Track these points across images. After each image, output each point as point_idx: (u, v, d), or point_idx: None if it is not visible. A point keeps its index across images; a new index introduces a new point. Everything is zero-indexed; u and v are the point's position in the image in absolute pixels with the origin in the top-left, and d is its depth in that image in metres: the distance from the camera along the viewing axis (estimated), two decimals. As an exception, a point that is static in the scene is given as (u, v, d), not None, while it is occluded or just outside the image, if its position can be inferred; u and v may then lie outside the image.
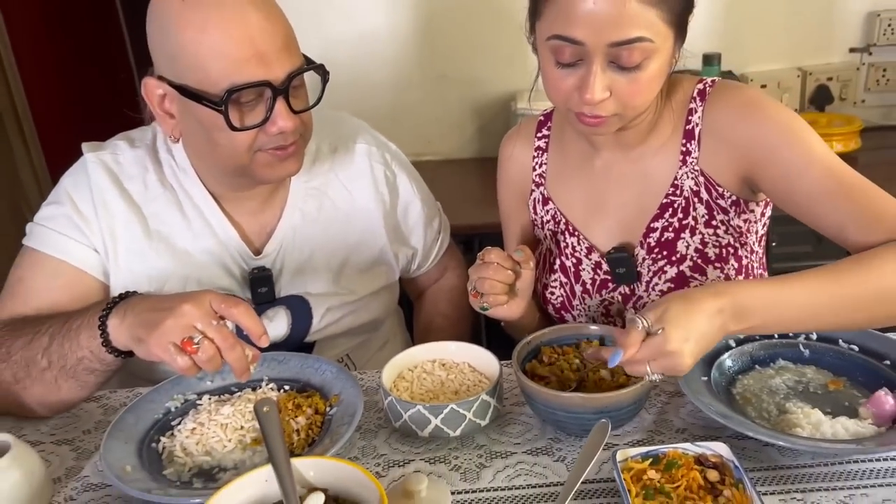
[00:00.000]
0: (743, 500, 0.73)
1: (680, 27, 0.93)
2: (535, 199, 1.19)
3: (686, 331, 0.78)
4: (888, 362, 0.91)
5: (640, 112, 0.98)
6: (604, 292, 1.12)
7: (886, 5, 2.14)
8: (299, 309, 1.14)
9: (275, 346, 1.12)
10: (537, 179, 1.19)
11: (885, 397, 0.85)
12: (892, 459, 0.81)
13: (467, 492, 0.81)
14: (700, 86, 1.05)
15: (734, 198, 1.05)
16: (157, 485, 0.82)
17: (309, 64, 1.01)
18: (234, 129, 0.95)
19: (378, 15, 2.17)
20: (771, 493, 0.78)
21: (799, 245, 1.85)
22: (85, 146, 1.13)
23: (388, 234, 1.21)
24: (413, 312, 1.39)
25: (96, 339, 0.92)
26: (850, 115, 2.14)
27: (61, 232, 1.08)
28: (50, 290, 1.06)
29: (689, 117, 1.05)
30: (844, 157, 2.18)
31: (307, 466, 0.76)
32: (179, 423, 0.92)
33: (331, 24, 2.15)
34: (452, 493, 0.81)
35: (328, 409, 0.93)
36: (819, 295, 0.84)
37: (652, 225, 1.08)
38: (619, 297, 1.11)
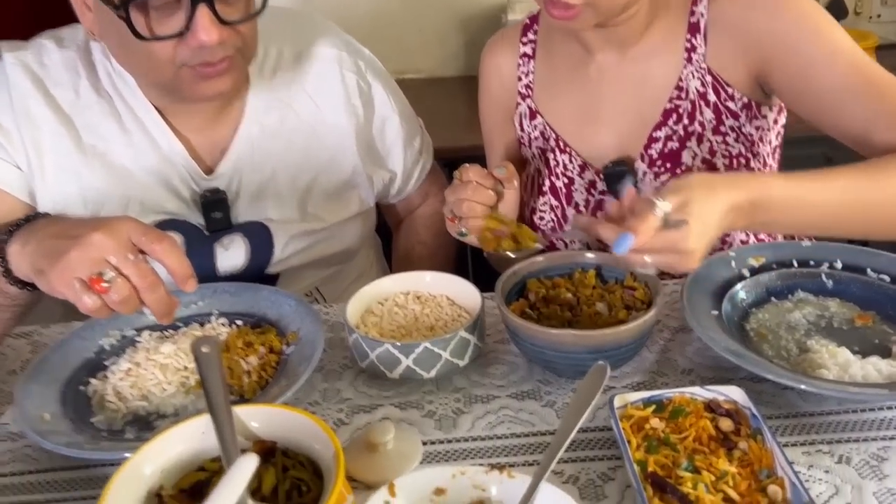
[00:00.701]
0: (762, 455, 0.63)
1: None
2: (521, 113, 1.07)
3: (706, 227, 0.68)
4: (924, 294, 0.80)
5: (618, 3, 0.85)
6: (599, 214, 0.99)
7: None
8: (259, 237, 1.01)
9: (233, 279, 1.00)
10: (523, 91, 1.06)
11: (923, 335, 0.74)
12: (929, 405, 0.71)
13: (442, 441, 0.70)
14: None
15: (745, 100, 0.93)
16: (80, 436, 0.70)
17: None
18: (140, 38, 0.80)
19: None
20: (792, 445, 0.67)
21: (813, 147, 1.72)
22: (3, 45, 0.97)
23: (360, 154, 1.07)
24: (392, 241, 1.26)
25: None
26: (864, 30, 1.99)
27: None
28: None
29: (694, 8, 0.93)
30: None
31: (251, 416, 0.64)
32: (113, 364, 0.80)
33: (302, -76, 1.94)
34: (425, 444, 0.70)
35: (284, 347, 0.81)
36: (848, 195, 0.76)
37: (654, 134, 0.96)
38: None
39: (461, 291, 0.85)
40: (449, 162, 1.52)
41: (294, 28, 1.06)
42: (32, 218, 0.81)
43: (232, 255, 1.00)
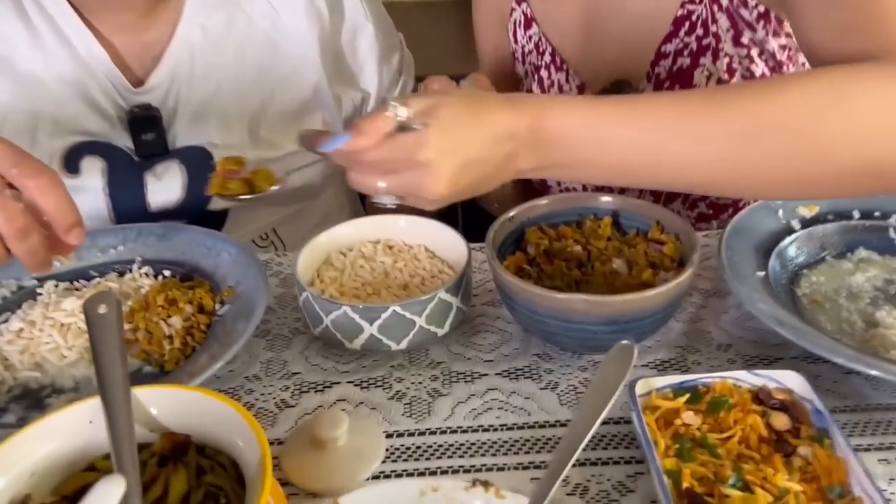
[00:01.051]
0: (831, 465, 0.47)
1: None
2: (515, 20, 0.93)
3: (455, 142, 0.51)
4: None
5: None
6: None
7: None
8: (199, 165, 0.84)
9: (168, 216, 0.83)
10: None
11: None
12: None
13: (412, 433, 0.55)
14: None
15: (760, 8, 0.77)
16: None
17: None
18: None
19: None
20: (864, 450, 0.52)
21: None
22: None
23: (325, 68, 0.90)
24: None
25: None
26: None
27: None
28: None
29: None
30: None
31: (156, 399, 0.48)
32: (3, 322, 0.64)
33: None
34: (389, 437, 0.54)
35: (218, 305, 0.65)
36: (680, 134, 0.53)
37: (663, 48, 0.81)
38: None
39: (443, 241, 0.68)
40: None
41: None
42: None
43: (166, 185, 0.83)
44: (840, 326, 0.61)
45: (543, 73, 0.91)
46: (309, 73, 0.90)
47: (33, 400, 0.59)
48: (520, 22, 0.92)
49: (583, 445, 0.44)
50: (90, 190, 0.82)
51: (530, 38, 0.92)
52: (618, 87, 0.84)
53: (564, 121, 0.53)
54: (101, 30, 0.81)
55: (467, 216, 1.13)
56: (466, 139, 0.52)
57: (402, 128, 0.52)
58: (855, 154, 0.52)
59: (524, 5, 0.91)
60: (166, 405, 0.49)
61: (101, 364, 0.49)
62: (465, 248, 0.64)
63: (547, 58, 0.90)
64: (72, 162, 0.81)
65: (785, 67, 0.81)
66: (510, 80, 0.96)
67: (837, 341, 0.56)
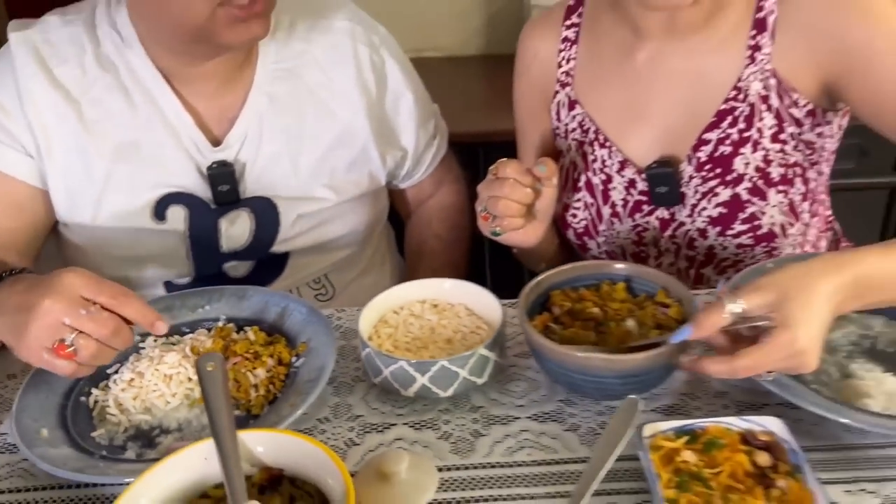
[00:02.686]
0: (802, 496, 0.58)
1: None
2: (559, 102, 1.01)
3: (813, 327, 0.62)
4: (980, 316, 0.75)
5: None
6: (637, 216, 0.94)
7: None
8: (265, 213, 0.98)
9: (236, 256, 0.98)
10: (563, 78, 1.00)
11: (979, 362, 0.69)
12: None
13: (458, 468, 0.67)
14: None
15: (811, 107, 0.86)
16: (79, 452, 0.67)
17: None
18: None
19: None
20: (834, 482, 0.63)
21: (841, 162, 1.66)
22: (11, 24, 0.94)
23: (372, 129, 1.03)
24: (404, 233, 1.22)
25: None
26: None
27: None
28: None
29: (762, 3, 0.85)
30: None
31: (257, 441, 0.61)
32: (116, 373, 0.77)
33: None
34: (441, 470, 0.66)
35: (293, 359, 0.78)
36: None
37: (704, 136, 0.90)
38: (657, 223, 0.94)
39: (481, 301, 0.80)
40: (467, 148, 1.48)
41: (307, 0, 1.02)
42: (7, 276, 0.78)
43: (236, 230, 0.97)
44: (818, 377, 0.71)
45: (587, 148, 0.98)
46: (358, 134, 1.03)
47: (146, 439, 0.71)
48: (563, 103, 0.99)
49: (599, 479, 0.55)
50: (174, 234, 0.96)
51: (574, 117, 0.98)
52: (663, 164, 0.92)
53: (878, 265, 0.66)
54: (187, 97, 0.95)
55: (494, 273, 1.25)
56: (819, 318, 0.63)
57: (741, 318, 0.64)
58: None
59: (568, 88, 0.98)
60: (264, 445, 0.61)
61: (213, 410, 0.62)
62: (500, 309, 0.76)
63: (591, 135, 0.97)
64: (160, 210, 0.95)
65: (815, 154, 0.90)
66: (550, 153, 1.03)
67: (815, 391, 0.67)
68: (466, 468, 0.67)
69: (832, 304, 0.64)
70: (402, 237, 1.22)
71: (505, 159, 0.86)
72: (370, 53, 1.03)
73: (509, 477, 0.65)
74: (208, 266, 0.99)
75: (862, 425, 0.63)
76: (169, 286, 1.00)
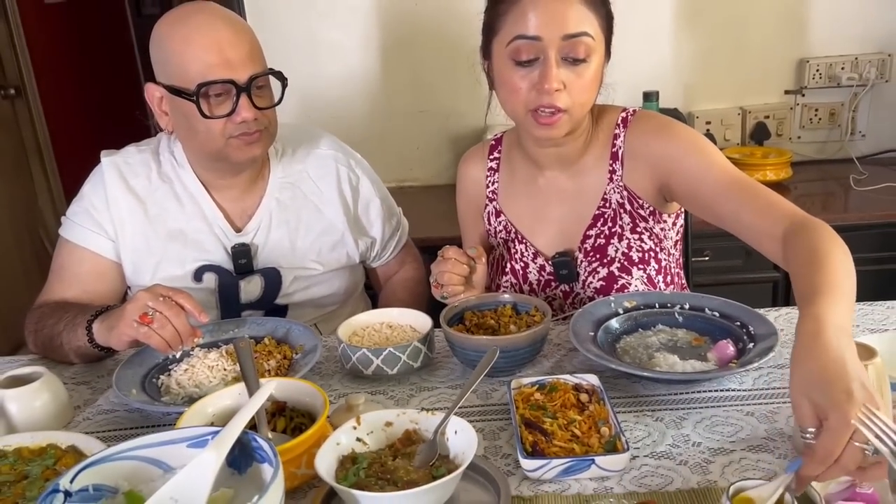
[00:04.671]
0: (601, 411, 0.96)
1: (608, 38, 1.17)
2: (489, 211, 1.41)
3: (839, 388, 0.72)
4: (738, 323, 1.14)
5: (584, 111, 1.17)
6: (547, 290, 1.34)
7: (815, 53, 2.42)
8: (272, 277, 1.40)
9: (251, 306, 1.39)
10: (490, 195, 1.40)
11: (726, 345, 1.08)
12: (721, 390, 1.04)
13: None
14: (623, 114, 1.29)
15: (651, 208, 1.27)
16: (156, 404, 1.06)
17: (272, 71, 1.28)
18: (205, 116, 1.23)
19: (363, 55, 2.45)
20: (629, 412, 1.01)
21: (730, 259, 2.09)
22: (103, 153, 1.41)
23: (349, 224, 1.47)
24: (377, 300, 1.63)
25: (85, 336, 1.17)
26: (782, 148, 2.41)
27: (82, 224, 1.36)
28: (79, 275, 1.35)
29: (615, 141, 1.28)
30: (777, 185, 2.46)
31: (270, 385, 0.99)
32: (176, 366, 1.16)
33: (323, 62, 2.43)
34: (386, 413, 1.04)
35: (294, 355, 1.17)
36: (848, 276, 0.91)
37: (588, 232, 1.30)
38: (560, 294, 1.34)
39: (420, 322, 1.21)
40: (438, 248, 1.91)
41: (305, 135, 1.50)
42: (108, 308, 1.20)
43: (251, 289, 1.39)
44: (634, 361, 1.11)
45: (510, 244, 1.35)
46: (338, 227, 1.46)
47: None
48: (492, 212, 1.38)
49: (472, 387, 0.93)
50: (207, 291, 1.37)
51: (500, 222, 1.36)
52: (563, 254, 1.28)
53: (838, 311, 0.81)
54: (219, 200, 1.39)
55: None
56: (846, 376, 0.72)
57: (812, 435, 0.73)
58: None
59: (494, 202, 1.37)
60: (275, 388, 0.99)
61: (244, 367, 1.01)
62: (430, 321, 1.16)
63: (512, 235, 1.35)
64: (198, 276, 1.37)
65: (662, 242, 1.27)
66: (483, 246, 1.37)
67: (626, 363, 1.06)
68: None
69: (842, 343, 0.76)
70: (376, 303, 1.63)
71: (448, 245, 1.23)
72: (348, 172, 1.49)
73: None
74: (230, 314, 1.39)
75: (643, 373, 1.03)
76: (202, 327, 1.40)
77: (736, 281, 2.11)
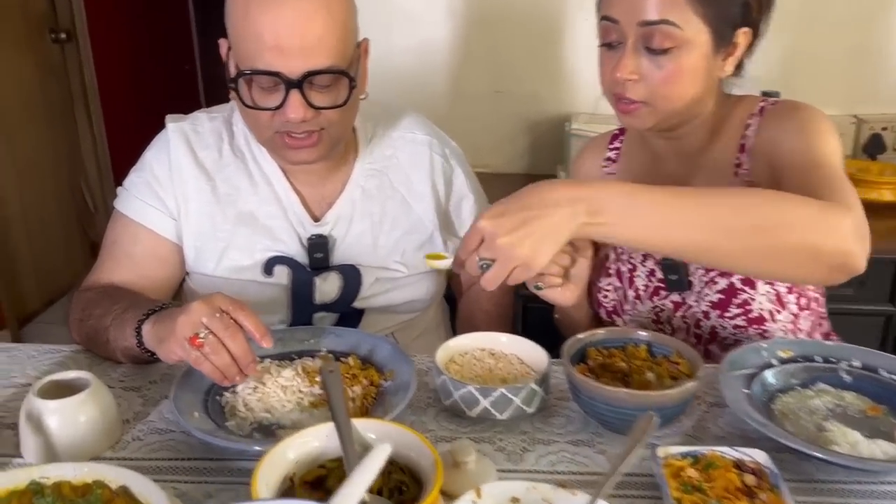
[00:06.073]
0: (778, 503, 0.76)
1: (719, 30, 1.00)
2: None
3: (511, 217, 0.86)
4: (928, 394, 0.93)
5: (674, 107, 1.03)
6: (655, 299, 1.16)
7: (946, 61, 2.16)
8: (350, 276, 1.21)
9: (325, 307, 1.20)
10: None
11: (923, 425, 0.87)
12: (926, 486, 0.83)
13: (512, 471, 0.85)
14: (763, 104, 1.11)
15: None
16: (221, 433, 0.88)
17: (336, 71, 1.04)
18: (245, 105, 1.05)
19: (442, 28, 2.25)
20: (803, 501, 0.80)
21: (841, 289, 1.86)
22: (168, 118, 1.22)
23: (439, 222, 1.28)
24: (457, 309, 1.44)
25: (133, 337, 1.00)
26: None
27: (141, 197, 1.18)
28: (133, 256, 1.18)
29: (746, 132, 1.11)
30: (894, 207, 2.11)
31: (366, 427, 0.80)
32: (243, 383, 0.98)
33: (398, 34, 2.23)
34: (497, 471, 0.85)
35: (383, 381, 0.98)
36: (688, 209, 0.87)
37: None
38: (671, 305, 1.15)
39: (530, 352, 1.01)
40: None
41: (392, 115, 1.31)
42: (164, 307, 1.01)
43: (327, 288, 1.20)
44: (799, 430, 0.90)
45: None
46: (427, 225, 1.27)
47: (267, 431, 0.91)
48: None
49: (618, 475, 0.74)
50: (278, 287, 1.19)
51: None
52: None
53: (613, 191, 0.87)
54: (295, 184, 1.20)
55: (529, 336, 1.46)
56: (510, 204, 0.88)
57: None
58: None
59: None
60: (371, 431, 0.81)
61: (333, 402, 0.82)
62: (546, 358, 0.97)
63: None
64: (268, 268, 1.19)
65: None
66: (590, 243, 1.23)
67: (793, 435, 0.86)
68: (518, 472, 0.85)
69: (569, 210, 0.85)
70: (454, 313, 1.44)
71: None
72: (443, 162, 1.29)
73: (552, 481, 0.84)
74: (302, 315, 1.21)
75: (829, 458, 0.82)
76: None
77: (843, 311, 1.88)
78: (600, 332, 1.01)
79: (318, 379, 0.96)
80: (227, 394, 0.96)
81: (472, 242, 0.88)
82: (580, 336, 0.99)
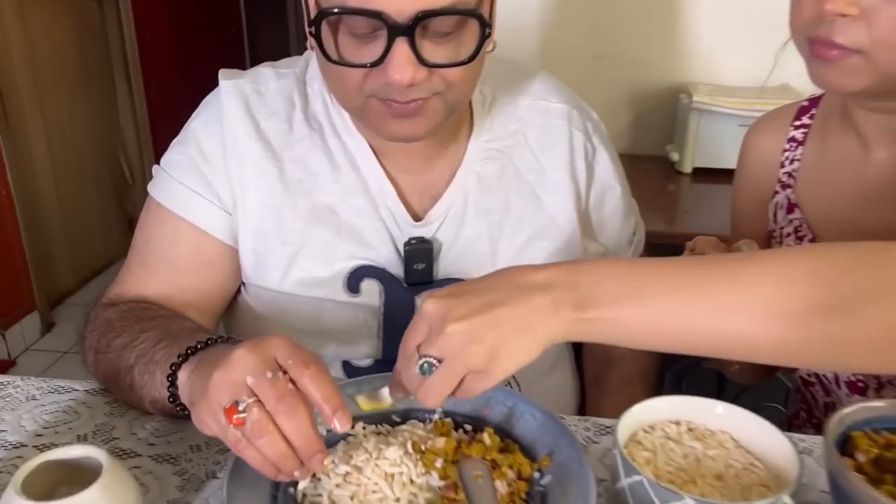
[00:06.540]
0: None
1: None
2: (777, 203, 0.94)
3: (467, 299, 0.56)
4: None
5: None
6: None
7: None
8: None
9: None
10: (784, 179, 0.93)
11: None
12: None
13: None
14: None
15: None
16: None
17: (466, 12, 0.72)
18: (327, 58, 0.75)
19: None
20: None
21: None
22: (222, 73, 0.91)
23: (580, 222, 0.94)
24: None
25: (164, 387, 0.69)
26: None
27: (183, 181, 0.87)
28: (171, 260, 0.87)
29: None
30: None
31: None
32: (328, 462, 0.66)
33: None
34: None
35: (537, 475, 0.65)
36: (724, 287, 0.57)
37: None
38: None
39: (748, 429, 0.67)
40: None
41: (518, 75, 0.96)
42: (210, 343, 0.70)
43: None
44: None
45: None
46: (564, 225, 0.94)
47: (366, 551, 0.59)
48: (782, 205, 0.94)
49: None
50: (368, 308, 0.88)
51: (791, 221, 0.92)
52: None
53: (604, 269, 0.59)
54: (390, 169, 0.88)
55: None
56: (486, 290, 0.59)
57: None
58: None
59: (788, 191, 0.93)
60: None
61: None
62: (791, 448, 0.63)
63: (807, 242, 0.90)
64: (353, 282, 0.87)
65: None
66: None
67: None
68: None
69: (541, 300, 0.56)
70: (579, 356, 1.11)
71: (702, 236, 0.81)
72: (584, 141, 0.95)
73: None
74: (397, 348, 0.89)
75: None
76: (346, 367, 0.90)
77: None
78: (868, 406, 0.66)
79: (438, 464, 0.64)
80: (304, 484, 0.64)
81: (416, 334, 0.59)
82: (843, 413, 0.64)
